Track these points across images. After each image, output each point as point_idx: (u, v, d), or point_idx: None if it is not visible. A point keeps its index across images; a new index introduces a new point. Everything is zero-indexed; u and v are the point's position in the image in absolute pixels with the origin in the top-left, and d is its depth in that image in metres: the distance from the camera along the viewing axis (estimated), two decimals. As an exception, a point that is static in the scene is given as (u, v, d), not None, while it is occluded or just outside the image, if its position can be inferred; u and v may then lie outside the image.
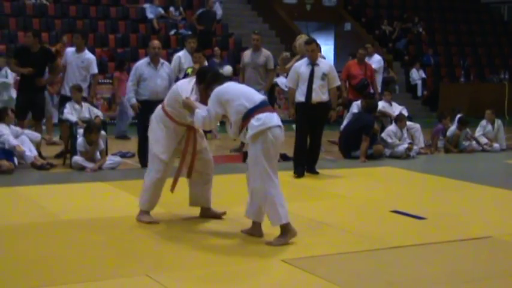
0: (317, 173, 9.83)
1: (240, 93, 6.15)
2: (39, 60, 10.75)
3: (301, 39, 10.71)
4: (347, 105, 13.06)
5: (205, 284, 5.07)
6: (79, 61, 10.90)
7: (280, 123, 6.09)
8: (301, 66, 9.71)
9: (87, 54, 11.06)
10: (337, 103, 10.09)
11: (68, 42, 14.46)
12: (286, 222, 6.05)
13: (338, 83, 10.04)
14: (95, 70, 11.07)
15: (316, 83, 9.54)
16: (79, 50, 10.97)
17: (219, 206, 7.23)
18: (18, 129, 10.12)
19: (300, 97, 9.59)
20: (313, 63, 9.61)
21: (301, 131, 9.74)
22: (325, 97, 9.62)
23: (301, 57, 10.25)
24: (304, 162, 9.71)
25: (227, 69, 13.87)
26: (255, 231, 6.26)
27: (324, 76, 9.56)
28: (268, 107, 6.18)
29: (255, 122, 5.95)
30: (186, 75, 10.69)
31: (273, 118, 6.05)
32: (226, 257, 5.74)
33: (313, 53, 9.61)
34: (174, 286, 4.94)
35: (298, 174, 9.57)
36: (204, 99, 6.35)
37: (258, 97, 6.15)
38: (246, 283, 5.14)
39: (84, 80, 10.91)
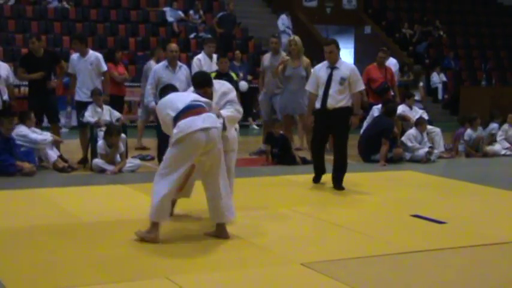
0: (342, 188, 8.91)
1: (166, 103, 6.24)
2: (45, 64, 10.79)
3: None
4: (367, 109, 13.03)
5: None
6: (87, 64, 10.81)
7: (206, 125, 5.95)
8: (320, 69, 9.04)
9: (93, 55, 10.94)
10: (360, 109, 9.17)
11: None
12: (155, 221, 6.07)
13: (362, 87, 9.13)
14: (105, 67, 11.02)
15: (334, 87, 8.78)
16: (83, 54, 10.87)
17: (236, 209, 7.25)
18: (38, 131, 10.20)
19: (317, 103, 8.95)
20: (332, 66, 8.90)
21: (314, 139, 9.30)
22: (343, 103, 8.81)
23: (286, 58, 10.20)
24: (320, 171, 9.25)
25: (242, 84, 13.94)
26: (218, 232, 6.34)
27: (343, 81, 8.77)
28: (194, 110, 6.03)
29: (174, 130, 5.97)
30: None
31: (194, 122, 5.94)
32: (246, 260, 5.74)
33: (331, 54, 8.88)
34: (193, 289, 4.96)
35: (313, 181, 9.29)
36: None
37: (183, 102, 6.08)
38: (265, 287, 5.14)
39: (98, 80, 10.90)
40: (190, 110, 6.05)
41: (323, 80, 8.87)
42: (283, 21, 20.77)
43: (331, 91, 8.80)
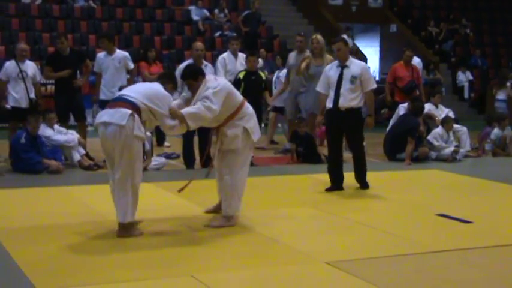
0: (367, 187, 8.83)
1: None
2: (71, 63, 10.89)
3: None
4: (392, 108, 12.97)
5: (249, 286, 5.09)
6: (116, 62, 10.90)
7: (105, 119, 6.15)
8: (330, 68, 8.79)
9: (120, 53, 11.04)
10: (374, 108, 8.91)
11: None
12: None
13: (373, 85, 8.75)
14: (132, 65, 11.10)
15: (345, 86, 8.51)
16: (110, 52, 10.95)
17: (261, 206, 7.27)
18: (63, 130, 10.28)
19: (328, 103, 8.67)
20: (342, 65, 8.64)
21: (330, 141, 8.90)
22: (355, 102, 8.56)
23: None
24: (336, 177, 8.74)
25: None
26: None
27: (354, 79, 8.50)
28: (112, 103, 6.32)
29: None
30: (238, 79, 10.72)
31: (101, 115, 6.32)
32: (270, 258, 5.75)
33: (339, 52, 8.64)
34: (218, 287, 4.96)
35: (328, 190, 8.68)
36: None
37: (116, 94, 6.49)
38: (291, 285, 5.14)
39: (124, 79, 10.95)
40: (112, 102, 6.39)
41: (333, 80, 8.64)
42: None
43: (342, 90, 8.55)
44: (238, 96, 6.79)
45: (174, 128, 6.44)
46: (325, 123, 8.97)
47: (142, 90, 6.39)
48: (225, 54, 11.82)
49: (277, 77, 13.52)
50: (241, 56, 11.58)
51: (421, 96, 12.79)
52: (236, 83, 10.49)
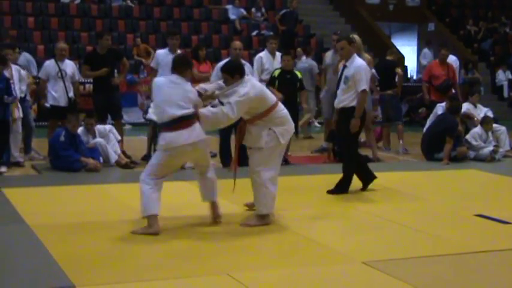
0: (333, 192, 8.38)
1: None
2: (108, 61, 10.95)
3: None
4: (429, 107, 12.88)
5: (285, 286, 5.08)
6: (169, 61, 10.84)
7: (194, 140, 6.38)
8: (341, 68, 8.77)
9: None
10: (361, 111, 8.28)
11: (151, 44, 14.66)
12: (147, 215, 6.36)
13: (362, 87, 8.24)
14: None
15: (340, 87, 8.45)
16: (174, 50, 10.69)
17: (296, 206, 7.26)
18: (104, 127, 10.36)
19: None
20: (344, 65, 8.57)
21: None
22: (346, 103, 8.32)
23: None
24: (362, 176, 8.62)
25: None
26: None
27: (346, 80, 8.33)
28: (179, 125, 6.33)
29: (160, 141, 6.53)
30: (273, 78, 10.68)
31: (178, 137, 6.35)
32: (306, 258, 5.74)
33: (342, 51, 8.50)
34: (254, 286, 4.96)
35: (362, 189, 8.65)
36: None
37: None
38: (328, 285, 5.12)
39: None
40: (174, 125, 6.35)
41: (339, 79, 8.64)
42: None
43: (338, 90, 8.53)
44: (270, 99, 6.76)
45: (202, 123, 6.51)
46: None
47: (179, 101, 6.42)
48: (262, 53, 11.80)
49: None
50: (279, 55, 11.56)
51: (457, 95, 12.68)
52: (271, 81, 10.48)
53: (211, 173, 6.81)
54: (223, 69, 6.85)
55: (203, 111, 6.54)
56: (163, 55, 10.87)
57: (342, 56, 8.75)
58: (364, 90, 8.27)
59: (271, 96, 6.82)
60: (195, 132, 6.37)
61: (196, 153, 6.54)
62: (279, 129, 6.72)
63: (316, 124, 16.94)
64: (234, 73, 6.66)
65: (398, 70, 13.01)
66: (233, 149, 9.96)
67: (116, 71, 11.28)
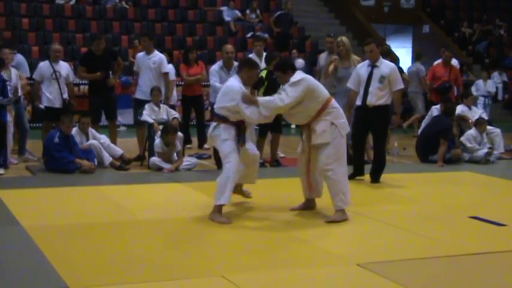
0: (378, 182, 9.28)
1: None
2: (105, 62, 10.95)
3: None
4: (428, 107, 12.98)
5: (279, 287, 5.07)
6: (150, 62, 10.90)
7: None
8: (361, 67, 9.35)
9: (157, 55, 11.03)
10: (400, 107, 9.45)
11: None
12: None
13: (401, 86, 9.29)
14: (166, 69, 11.03)
15: (374, 85, 9.06)
16: (149, 52, 10.99)
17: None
18: (97, 135, 10.32)
19: (358, 100, 9.24)
20: (372, 65, 9.19)
21: (354, 134, 9.33)
22: (382, 101, 9.09)
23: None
24: (357, 166, 9.39)
25: (299, 62, 13.96)
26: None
27: (383, 79, 9.04)
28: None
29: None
30: (261, 78, 10.66)
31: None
32: (301, 260, 5.73)
33: (371, 53, 9.19)
34: (249, 288, 4.96)
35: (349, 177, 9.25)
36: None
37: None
38: (322, 287, 5.12)
39: (159, 80, 10.94)
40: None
41: (364, 78, 9.16)
42: None
43: (371, 89, 9.07)
44: (324, 93, 6.99)
45: (252, 116, 6.83)
46: (353, 118, 9.33)
47: (219, 96, 7.05)
48: (250, 56, 11.77)
49: None
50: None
51: (454, 97, 12.75)
52: (259, 81, 10.48)
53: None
54: (276, 68, 7.19)
55: (261, 98, 7.17)
56: (141, 57, 10.98)
57: (372, 58, 9.20)
58: (401, 89, 9.28)
59: (323, 90, 7.03)
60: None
61: None
62: (339, 122, 6.96)
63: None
64: (286, 69, 6.98)
65: (405, 76, 13.08)
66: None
67: (111, 72, 11.27)
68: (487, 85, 14.99)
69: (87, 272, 5.20)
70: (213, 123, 7.07)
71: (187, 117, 12.77)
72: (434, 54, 13.41)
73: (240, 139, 6.98)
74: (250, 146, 7.32)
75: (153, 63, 10.89)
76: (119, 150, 10.26)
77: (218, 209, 6.84)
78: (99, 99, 10.96)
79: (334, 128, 6.90)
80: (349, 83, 9.46)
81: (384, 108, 9.13)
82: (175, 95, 12.25)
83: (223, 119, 6.94)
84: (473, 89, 15.95)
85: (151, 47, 11.05)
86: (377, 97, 9.06)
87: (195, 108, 12.63)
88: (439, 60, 13.45)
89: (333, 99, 7.09)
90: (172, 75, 11.74)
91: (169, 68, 11.50)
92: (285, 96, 6.79)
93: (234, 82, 7.04)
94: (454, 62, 13.98)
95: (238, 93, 6.85)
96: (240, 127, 6.98)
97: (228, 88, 7.01)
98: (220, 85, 10.07)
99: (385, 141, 9.52)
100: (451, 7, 25.02)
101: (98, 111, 11.05)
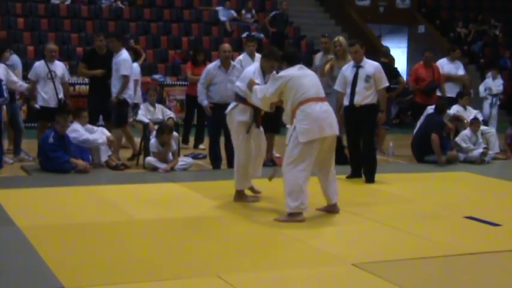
0: (373, 182, 9.32)
1: None
2: (107, 62, 10.86)
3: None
4: (415, 108, 13.03)
5: (275, 287, 5.07)
6: (113, 64, 10.63)
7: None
8: (347, 69, 9.53)
9: (120, 56, 10.63)
10: (386, 105, 9.65)
11: (141, 45, 14.60)
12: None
13: (386, 84, 9.47)
14: (123, 72, 10.52)
15: (360, 85, 9.27)
16: (116, 52, 10.69)
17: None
18: (93, 127, 10.30)
19: (345, 101, 9.44)
20: (357, 65, 9.38)
21: (347, 135, 9.62)
22: (369, 100, 9.29)
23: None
24: (355, 166, 9.56)
25: None
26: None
27: (368, 78, 9.25)
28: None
29: None
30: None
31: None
32: (297, 259, 5.73)
33: (356, 54, 9.39)
34: (244, 288, 4.97)
35: (348, 177, 9.54)
36: None
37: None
38: (317, 287, 5.12)
39: (119, 82, 10.53)
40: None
41: (350, 79, 9.37)
42: None
43: (357, 89, 9.29)
44: (303, 95, 6.90)
45: (254, 100, 7.27)
46: (344, 119, 9.48)
47: (240, 78, 7.71)
48: (241, 56, 11.62)
49: None
50: (258, 56, 11.49)
51: (443, 95, 12.85)
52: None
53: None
54: (283, 58, 7.33)
55: (254, 86, 7.35)
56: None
57: (356, 59, 9.40)
58: (386, 87, 9.45)
59: (305, 92, 6.91)
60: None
61: None
62: (300, 128, 6.81)
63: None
64: (282, 59, 7.27)
65: (402, 79, 13.12)
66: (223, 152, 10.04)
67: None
68: (495, 84, 15.09)
69: (83, 272, 5.20)
70: (233, 103, 7.62)
71: (190, 117, 12.76)
72: (423, 55, 13.40)
73: (256, 121, 7.48)
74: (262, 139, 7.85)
75: (114, 64, 10.59)
76: (108, 152, 10.23)
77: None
78: (98, 99, 10.93)
79: (293, 131, 6.85)
80: (336, 85, 9.69)
81: (371, 107, 9.33)
82: (139, 94, 12.12)
83: (242, 100, 7.48)
84: (481, 87, 15.95)
85: (119, 47, 10.72)
86: (363, 96, 9.28)
87: (198, 108, 12.51)
88: (421, 62, 13.49)
89: (310, 103, 6.87)
90: (136, 75, 11.60)
91: (134, 67, 11.36)
92: (265, 89, 7.15)
93: (251, 67, 7.70)
94: (461, 65, 14.04)
95: (248, 78, 7.43)
96: (256, 109, 7.42)
97: (245, 72, 7.67)
98: (201, 87, 10.09)
99: (374, 139, 9.76)
100: (446, 7, 25.04)
101: (97, 111, 11.03)
